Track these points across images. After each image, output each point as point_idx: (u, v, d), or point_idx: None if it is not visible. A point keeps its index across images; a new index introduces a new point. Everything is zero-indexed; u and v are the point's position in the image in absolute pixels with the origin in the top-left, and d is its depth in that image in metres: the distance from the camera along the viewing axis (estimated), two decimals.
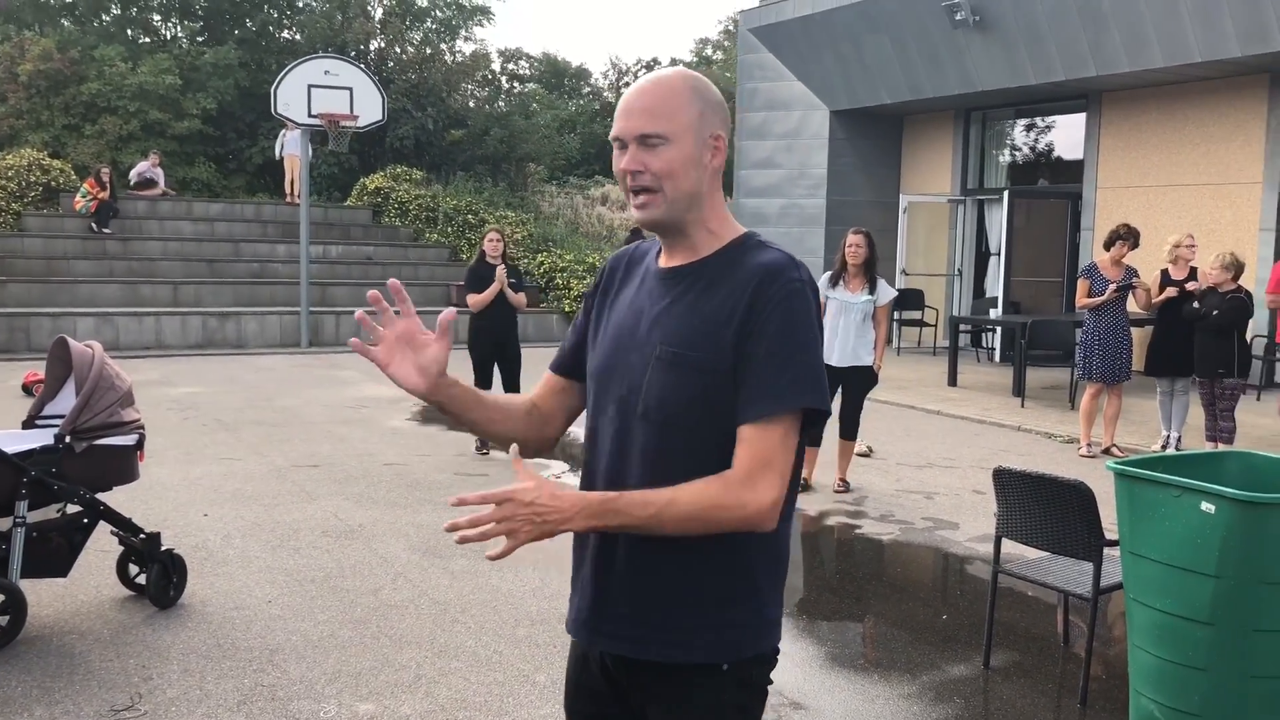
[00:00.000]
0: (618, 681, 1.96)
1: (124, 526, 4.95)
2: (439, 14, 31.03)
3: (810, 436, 7.35)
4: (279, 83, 15.76)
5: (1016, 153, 16.70)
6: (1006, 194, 15.05)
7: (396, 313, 1.95)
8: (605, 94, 39.00)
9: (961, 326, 14.19)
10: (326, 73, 15.95)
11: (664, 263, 1.95)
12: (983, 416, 10.57)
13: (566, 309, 18.33)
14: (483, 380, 8.62)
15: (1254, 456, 3.92)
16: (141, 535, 4.97)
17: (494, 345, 8.62)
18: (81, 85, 24.74)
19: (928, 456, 8.85)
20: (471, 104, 30.93)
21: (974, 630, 4.89)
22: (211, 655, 4.41)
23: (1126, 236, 8.71)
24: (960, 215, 16.94)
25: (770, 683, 1.96)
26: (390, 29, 29.65)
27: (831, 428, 7.56)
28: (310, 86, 15.71)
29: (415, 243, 21.08)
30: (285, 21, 30.51)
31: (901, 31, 14.78)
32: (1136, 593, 3.65)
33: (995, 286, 15.70)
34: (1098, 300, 8.61)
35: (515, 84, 36.69)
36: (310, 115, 15.79)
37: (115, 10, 29.25)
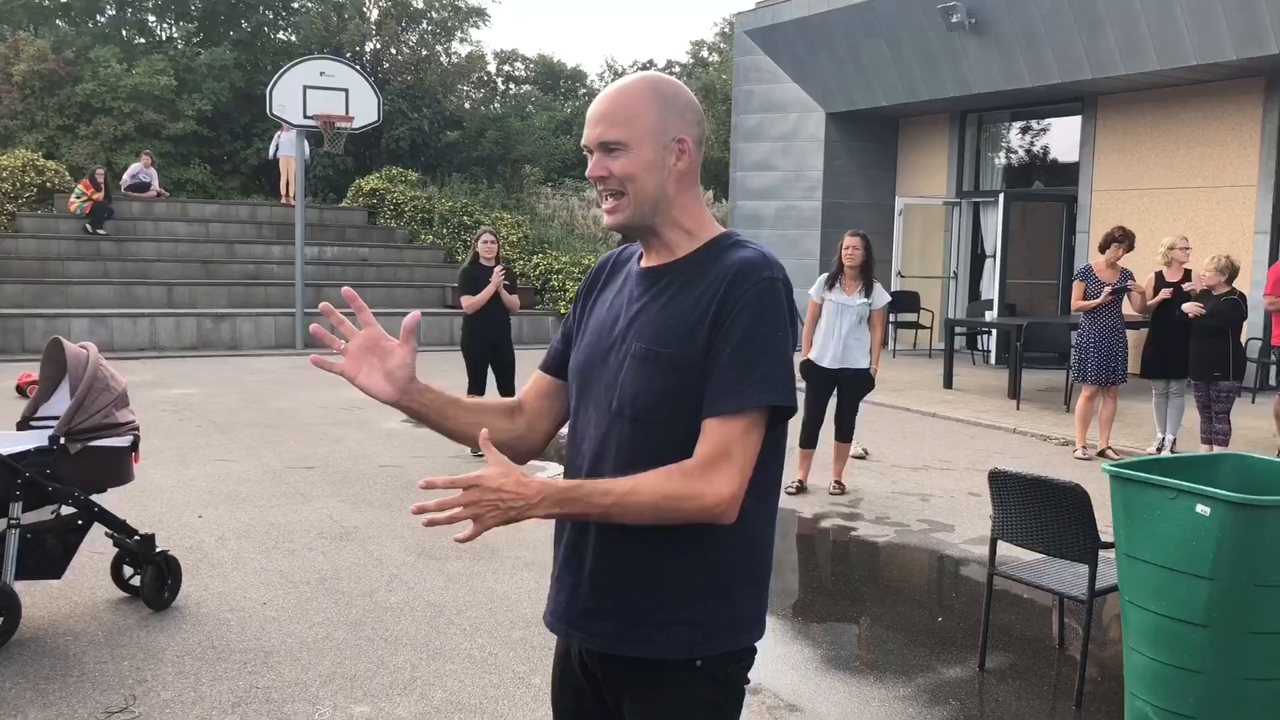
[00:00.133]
0: (595, 676, 1.97)
1: (118, 528, 4.94)
2: (434, 15, 31.02)
3: (804, 438, 7.30)
4: (274, 84, 15.75)
5: (1012, 155, 16.72)
6: (1002, 196, 15.08)
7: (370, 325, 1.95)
8: None
9: (957, 329, 14.21)
10: (322, 74, 15.94)
11: (644, 263, 1.98)
12: (978, 419, 10.58)
13: (561, 311, 18.33)
14: (477, 382, 8.61)
15: (1249, 459, 3.92)
16: (136, 537, 4.96)
17: (488, 347, 8.61)
18: (76, 86, 24.71)
19: (923, 459, 8.86)
20: (467, 105, 30.93)
21: (969, 632, 4.89)
22: (206, 657, 4.40)
23: (1122, 239, 8.73)
24: (956, 218, 16.97)
25: (747, 682, 1.96)
26: (386, 30, 29.64)
27: (827, 430, 7.57)
28: (306, 88, 15.70)
29: (410, 244, 21.06)
30: (280, 23, 30.50)
31: (897, 34, 14.80)
32: (1132, 595, 3.65)
33: (991, 289, 15.72)
34: (1093, 303, 8.63)
35: (511, 85, 36.67)
36: (306, 116, 15.77)
37: (110, 11, 29.21)
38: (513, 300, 8.66)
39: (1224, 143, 13.10)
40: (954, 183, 16.85)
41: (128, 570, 5.14)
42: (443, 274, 19.43)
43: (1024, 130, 16.41)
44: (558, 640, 2.06)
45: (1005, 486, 4.31)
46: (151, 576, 4.93)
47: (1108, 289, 8.60)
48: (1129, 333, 9.03)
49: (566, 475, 2.01)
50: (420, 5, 30.75)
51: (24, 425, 4.91)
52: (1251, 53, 11.40)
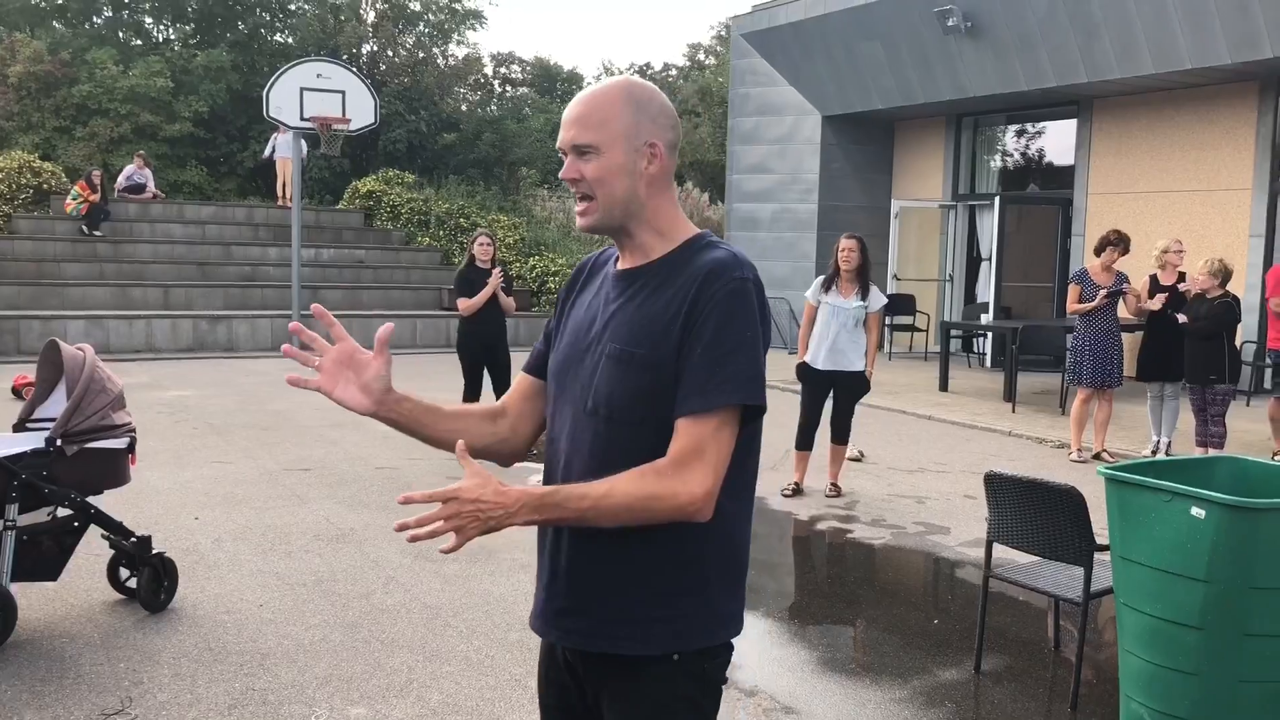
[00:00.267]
0: (578, 673, 2.00)
1: (115, 530, 4.93)
2: (431, 18, 31.03)
3: (800, 440, 7.29)
4: (271, 86, 15.74)
5: (1008, 158, 16.75)
6: (998, 199, 15.10)
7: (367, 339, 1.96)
8: None
9: (953, 332, 14.22)
10: (319, 76, 15.94)
11: (620, 266, 2.01)
12: (974, 421, 10.60)
13: None
14: (473, 384, 8.61)
15: (1244, 462, 3.94)
16: (132, 539, 4.96)
17: (484, 349, 8.62)
18: (72, 87, 24.69)
19: (919, 461, 8.87)
20: (464, 108, 30.94)
21: (965, 635, 4.90)
22: (202, 659, 4.40)
23: (1117, 242, 8.75)
24: (952, 221, 16.99)
25: (725, 680, 1.98)
26: (382, 32, 29.64)
27: (823, 432, 7.58)
28: (302, 89, 15.69)
29: (407, 246, 21.06)
30: (277, 25, 30.49)
31: (894, 37, 14.82)
32: (1127, 597, 3.66)
33: (986, 292, 15.74)
34: (1089, 306, 8.64)
35: (507, 88, 36.69)
36: (302, 118, 15.77)
37: (107, 13, 29.19)
38: (509, 302, 8.66)
39: (1219, 146, 13.13)
40: (950, 186, 16.87)
41: (124, 572, 5.13)
42: (439, 276, 19.42)
43: (1019, 133, 16.44)
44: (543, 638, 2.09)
45: (1001, 489, 4.32)
46: (148, 578, 4.93)
47: (1103, 292, 8.62)
48: (1124, 336, 9.06)
49: (545, 474, 2.04)
50: (417, 7, 30.77)
51: (20, 427, 4.90)
52: (1246, 57, 11.43)
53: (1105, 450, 8.92)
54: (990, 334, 14.97)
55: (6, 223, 18.09)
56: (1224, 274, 8.39)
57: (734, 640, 1.97)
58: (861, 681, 4.37)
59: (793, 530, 6.77)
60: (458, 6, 31.11)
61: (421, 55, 30.09)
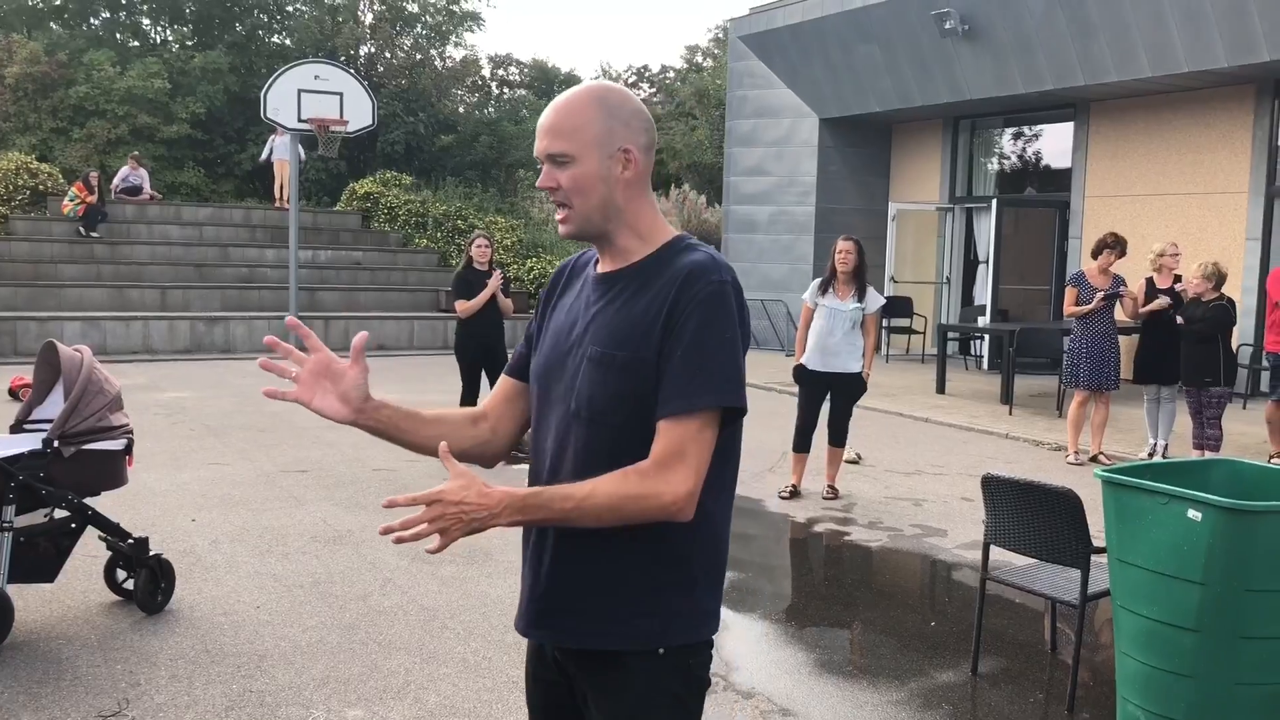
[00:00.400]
0: (566, 670, 2.01)
1: (112, 531, 4.93)
2: (429, 20, 31.05)
3: (798, 443, 7.30)
4: (269, 87, 15.75)
5: (1005, 161, 16.77)
6: (995, 202, 15.11)
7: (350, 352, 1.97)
8: None
9: (950, 334, 14.23)
10: (316, 78, 15.94)
11: (600, 269, 2.03)
12: (971, 424, 10.61)
13: None
14: (471, 385, 8.62)
15: (1240, 464, 3.94)
16: (129, 540, 4.95)
17: (482, 350, 8.62)
18: (69, 89, 24.68)
19: (916, 464, 8.87)
20: (461, 109, 30.97)
21: (962, 637, 4.91)
22: (199, 661, 4.40)
23: (1114, 245, 8.76)
24: (949, 223, 17.01)
25: (708, 681, 2.00)
26: (380, 34, 29.66)
27: (820, 434, 7.59)
28: (300, 91, 15.70)
29: (404, 248, 21.07)
30: (275, 26, 30.50)
31: (891, 40, 14.84)
32: (1124, 600, 3.67)
33: (983, 294, 15.76)
34: (1085, 309, 8.65)
35: (505, 90, 36.71)
36: (300, 120, 15.77)
37: (104, 14, 29.18)
38: (507, 304, 8.68)
39: (1215, 150, 13.15)
40: (947, 188, 16.89)
41: (121, 574, 5.13)
42: (436, 278, 19.43)
43: (1017, 136, 16.46)
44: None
45: (998, 491, 4.33)
46: (145, 580, 4.92)
47: (1100, 295, 8.63)
48: (1121, 338, 9.07)
49: (530, 477, 2.06)
50: (415, 9, 30.79)
51: (17, 428, 4.90)
52: (1243, 60, 11.45)
53: (1102, 453, 8.93)
54: (987, 336, 14.98)
55: (3, 224, 18.07)
56: (1218, 277, 8.41)
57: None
58: (859, 683, 4.38)
59: (790, 532, 6.78)
60: (455, 8, 31.15)
61: (419, 57, 30.11)
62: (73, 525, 4.76)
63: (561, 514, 1.82)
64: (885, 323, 15.78)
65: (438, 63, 30.87)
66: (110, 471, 4.81)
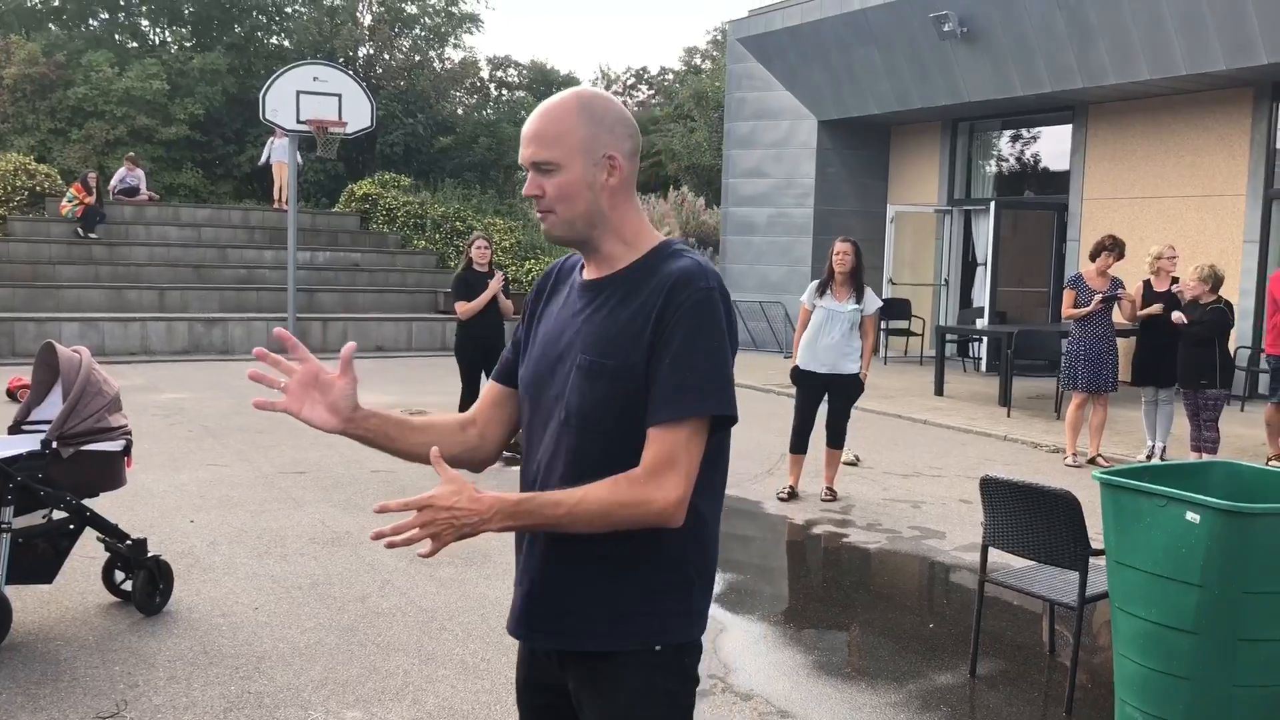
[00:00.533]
0: (559, 673, 2.02)
1: (110, 532, 4.93)
2: (428, 21, 31.05)
3: (795, 444, 7.29)
4: (267, 89, 15.74)
5: (1003, 163, 16.78)
6: (993, 204, 15.12)
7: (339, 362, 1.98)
8: None
9: (948, 336, 14.24)
10: (315, 79, 15.93)
11: (585, 275, 2.03)
12: (969, 426, 10.62)
13: None
14: (470, 387, 8.62)
15: (1238, 466, 3.95)
16: (128, 541, 4.95)
17: (482, 352, 8.62)
18: (68, 90, 24.67)
19: (914, 465, 8.88)
20: (460, 111, 30.97)
21: (960, 639, 4.91)
22: (198, 662, 4.40)
23: (1112, 248, 8.77)
24: (947, 225, 17.02)
25: (699, 679, 2.02)
26: (379, 35, 29.66)
27: (819, 436, 7.59)
28: (299, 93, 15.69)
29: (403, 249, 21.06)
30: (274, 27, 30.49)
31: (890, 43, 14.85)
32: (1122, 602, 3.67)
33: (982, 296, 15.76)
34: (1083, 311, 8.66)
35: (504, 91, 36.72)
36: (299, 121, 15.77)
37: (103, 15, 29.17)
38: (507, 305, 8.69)
39: (1213, 152, 13.17)
40: (945, 190, 16.90)
41: (119, 575, 5.12)
42: (435, 279, 19.42)
43: (1015, 139, 16.47)
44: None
45: (996, 493, 4.33)
46: (143, 581, 4.92)
47: (1098, 297, 8.64)
48: (1119, 341, 9.08)
49: (520, 484, 2.07)
50: (413, 10, 30.78)
51: (16, 429, 4.90)
52: (1241, 63, 11.46)
53: (1100, 455, 8.94)
54: (985, 338, 14.99)
55: (2, 225, 18.06)
56: (1214, 279, 8.42)
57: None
58: (857, 685, 4.38)
59: (788, 534, 6.78)
60: (454, 10, 31.15)
61: (418, 58, 30.12)
62: (71, 526, 4.76)
63: (552, 520, 1.83)
64: (883, 324, 15.79)
65: (436, 64, 30.88)
66: (109, 473, 4.81)
